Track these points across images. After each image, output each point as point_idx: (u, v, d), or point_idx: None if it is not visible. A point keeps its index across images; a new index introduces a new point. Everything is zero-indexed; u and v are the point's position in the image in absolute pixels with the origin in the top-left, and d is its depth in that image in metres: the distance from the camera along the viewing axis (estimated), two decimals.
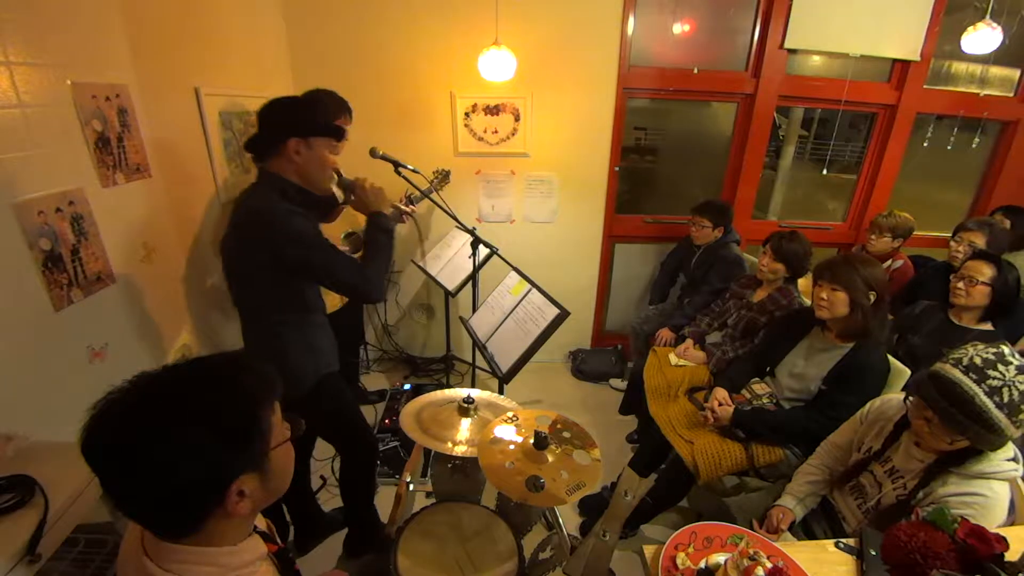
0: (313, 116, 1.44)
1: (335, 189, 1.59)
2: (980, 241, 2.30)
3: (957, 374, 1.12)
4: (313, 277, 1.48)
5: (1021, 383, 1.08)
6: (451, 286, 2.60)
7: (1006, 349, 1.13)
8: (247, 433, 0.69)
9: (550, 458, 1.25)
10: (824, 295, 1.70)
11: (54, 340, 1.38)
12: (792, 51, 2.81)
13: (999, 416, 1.08)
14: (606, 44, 2.71)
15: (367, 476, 1.88)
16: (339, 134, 1.49)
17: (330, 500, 2.16)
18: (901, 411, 1.33)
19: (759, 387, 1.88)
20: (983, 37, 2.46)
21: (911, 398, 1.24)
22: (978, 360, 1.11)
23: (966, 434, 1.12)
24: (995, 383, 1.08)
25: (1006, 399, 1.07)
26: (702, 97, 3.03)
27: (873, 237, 2.61)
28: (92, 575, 1.31)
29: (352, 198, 1.56)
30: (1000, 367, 1.09)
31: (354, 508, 1.89)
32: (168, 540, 0.68)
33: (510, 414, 1.40)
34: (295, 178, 1.43)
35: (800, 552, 1.14)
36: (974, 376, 1.10)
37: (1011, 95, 3.01)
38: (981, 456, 1.17)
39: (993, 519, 1.17)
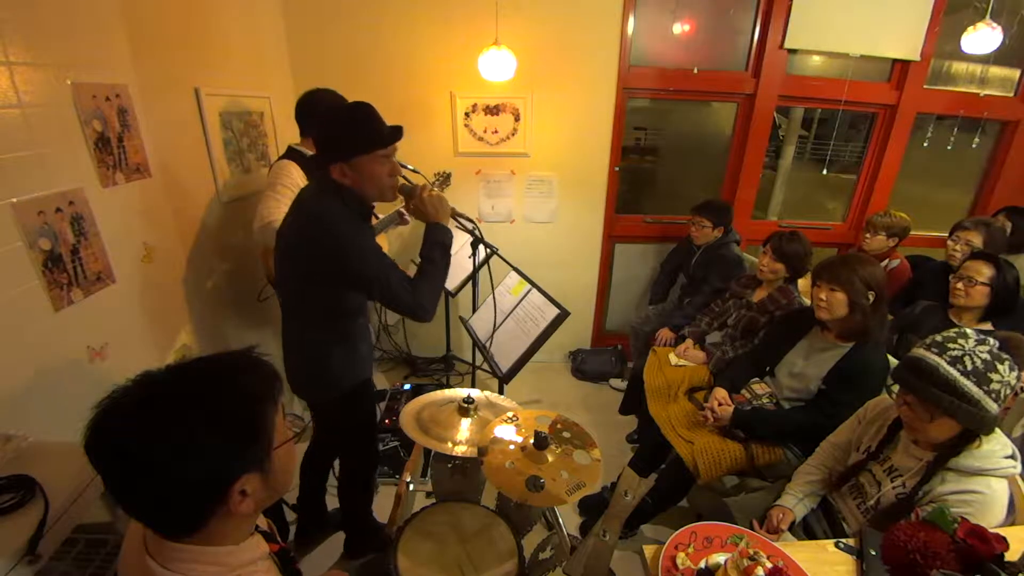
0: (348, 136, 1.32)
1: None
2: (977, 240, 2.30)
3: (921, 351, 1.21)
4: (362, 286, 1.42)
5: (982, 352, 1.14)
6: (451, 286, 2.60)
7: (968, 330, 1.21)
8: (249, 433, 0.69)
9: (550, 458, 1.25)
10: (823, 295, 1.70)
11: (54, 340, 1.38)
12: (792, 51, 2.81)
13: (967, 384, 1.13)
14: (606, 44, 2.71)
15: (367, 485, 1.88)
16: (382, 144, 1.34)
17: (330, 501, 2.16)
18: (897, 411, 1.34)
19: (759, 387, 1.88)
20: (983, 37, 2.46)
21: (895, 388, 1.26)
22: (939, 338, 1.21)
23: (941, 406, 1.14)
24: (956, 352, 1.16)
25: (969, 367, 1.13)
26: (702, 97, 3.03)
27: (868, 236, 2.61)
28: (92, 575, 1.31)
29: (412, 206, 1.49)
30: (960, 340, 1.18)
31: (352, 513, 1.89)
32: (170, 539, 0.68)
33: (510, 414, 1.40)
34: (354, 188, 1.35)
35: (800, 552, 1.14)
36: (935, 350, 1.19)
37: (1011, 95, 3.02)
38: (979, 448, 1.18)
39: (992, 517, 1.17)
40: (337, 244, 1.31)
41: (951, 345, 1.17)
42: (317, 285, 1.40)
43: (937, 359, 1.16)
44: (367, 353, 1.62)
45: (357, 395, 1.61)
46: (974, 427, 1.16)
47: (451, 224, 1.52)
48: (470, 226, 1.63)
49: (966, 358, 1.14)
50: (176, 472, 0.63)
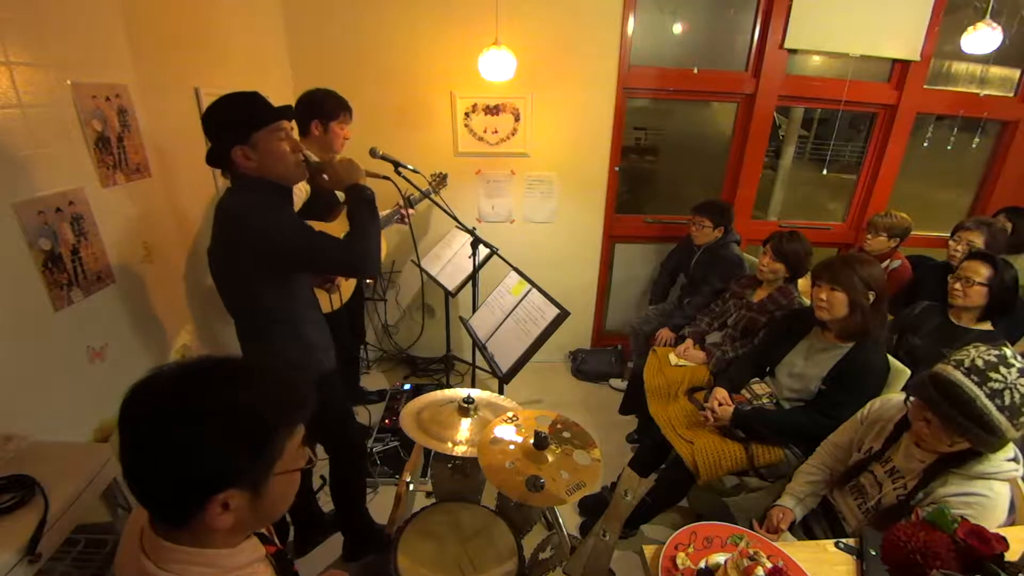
0: (239, 116, 1.31)
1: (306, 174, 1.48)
2: (978, 241, 2.30)
3: (959, 376, 1.11)
4: (299, 263, 1.42)
5: (1023, 386, 1.08)
6: (451, 286, 2.60)
7: (1008, 351, 1.12)
8: (250, 447, 0.67)
9: (550, 458, 1.25)
10: (823, 296, 1.70)
11: (54, 340, 1.38)
12: (792, 51, 2.81)
13: (1000, 419, 1.08)
14: (606, 44, 2.71)
15: (354, 476, 1.86)
16: (279, 116, 1.33)
17: (329, 502, 2.16)
18: (901, 411, 1.33)
19: (759, 387, 1.88)
20: (983, 37, 2.46)
21: (912, 399, 1.24)
22: (980, 362, 1.11)
23: (966, 436, 1.12)
24: (997, 385, 1.07)
25: (1007, 402, 1.07)
26: (702, 97, 3.03)
27: (869, 237, 2.61)
28: (92, 575, 1.31)
29: (326, 178, 1.47)
30: (1003, 369, 1.08)
31: (345, 511, 1.88)
32: (165, 537, 0.68)
33: (510, 414, 1.40)
34: (264, 175, 1.35)
35: (800, 552, 1.14)
36: (975, 378, 1.09)
37: (1011, 95, 3.02)
38: (981, 457, 1.17)
39: (993, 519, 1.16)
40: (249, 226, 1.31)
41: (993, 375, 1.08)
42: (254, 280, 1.39)
43: (976, 391, 1.08)
44: (324, 344, 1.59)
45: (322, 387, 1.58)
46: (989, 451, 1.14)
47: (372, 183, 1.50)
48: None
49: (1006, 392, 1.06)
50: (172, 459, 0.63)
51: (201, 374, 0.69)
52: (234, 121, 1.31)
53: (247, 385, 0.69)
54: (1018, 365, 1.09)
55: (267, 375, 0.73)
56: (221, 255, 1.41)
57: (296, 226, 1.36)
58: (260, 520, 0.74)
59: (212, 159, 1.36)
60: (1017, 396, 1.07)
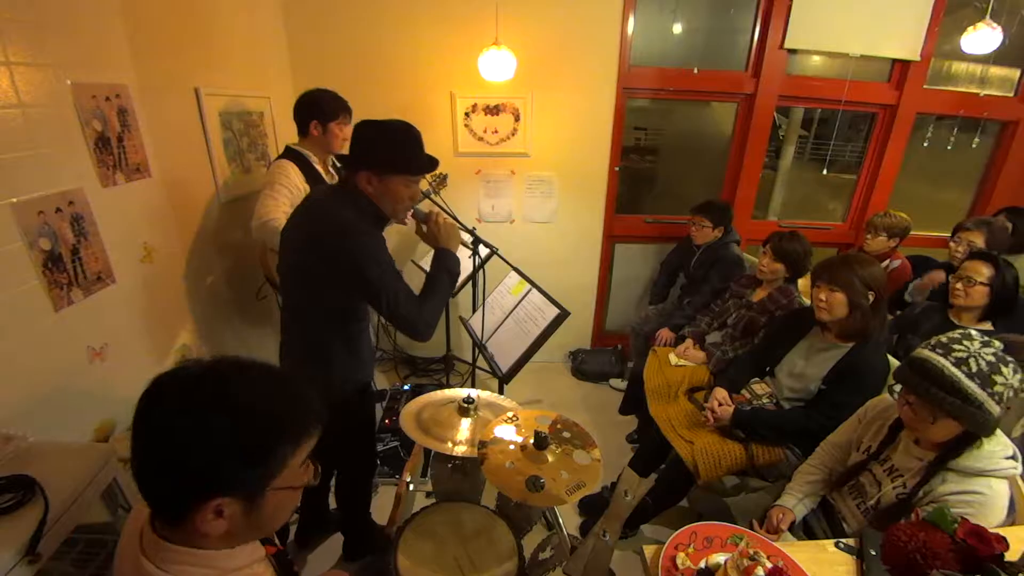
0: (387, 154, 1.35)
1: (409, 217, 1.52)
2: (979, 241, 2.30)
3: (927, 353, 1.20)
4: (368, 297, 1.42)
5: (987, 354, 1.14)
6: None
7: (973, 332, 1.21)
8: (248, 455, 0.66)
9: (550, 458, 1.25)
10: (823, 296, 1.70)
11: (54, 340, 1.38)
12: (792, 51, 2.81)
13: (971, 386, 1.12)
14: (606, 44, 2.71)
15: (366, 489, 1.87)
16: (418, 172, 1.40)
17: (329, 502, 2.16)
18: (897, 411, 1.34)
19: (759, 387, 1.88)
20: (983, 37, 2.46)
21: (897, 388, 1.26)
22: (944, 339, 1.21)
23: (944, 407, 1.14)
24: (961, 354, 1.15)
25: (974, 369, 1.13)
26: (702, 97, 3.03)
27: (869, 237, 2.61)
28: (92, 575, 1.31)
29: (424, 230, 1.52)
30: (965, 342, 1.17)
31: (349, 514, 1.88)
32: (164, 537, 0.68)
33: (510, 414, 1.40)
34: (373, 200, 1.38)
35: (800, 552, 1.14)
36: (940, 351, 1.18)
37: (1011, 95, 3.01)
38: (980, 448, 1.18)
39: (993, 517, 1.17)
40: (356, 250, 1.32)
41: (956, 347, 1.16)
42: (327, 287, 1.39)
43: (942, 360, 1.16)
44: (368, 357, 1.62)
45: (357, 398, 1.60)
46: (976, 429, 1.16)
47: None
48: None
49: (971, 360, 1.14)
50: (167, 455, 0.64)
51: (219, 376, 0.68)
52: (386, 153, 1.35)
53: (258, 396, 0.68)
54: (980, 338, 1.17)
55: (285, 387, 0.72)
56: (299, 243, 1.41)
57: (388, 266, 1.36)
58: (254, 531, 0.73)
59: (343, 161, 1.43)
60: (983, 363, 1.13)
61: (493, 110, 2.82)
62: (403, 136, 1.36)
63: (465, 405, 1.49)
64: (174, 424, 0.64)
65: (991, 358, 1.14)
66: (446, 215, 1.54)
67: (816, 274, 1.76)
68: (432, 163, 1.41)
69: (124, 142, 1.60)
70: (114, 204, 1.57)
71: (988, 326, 1.93)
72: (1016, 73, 2.99)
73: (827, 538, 1.33)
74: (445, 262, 1.48)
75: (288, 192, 1.87)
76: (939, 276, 2.36)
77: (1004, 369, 1.13)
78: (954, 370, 1.14)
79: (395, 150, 1.36)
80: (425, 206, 1.57)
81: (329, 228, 1.34)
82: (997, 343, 1.17)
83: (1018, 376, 1.14)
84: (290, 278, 1.48)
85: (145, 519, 0.71)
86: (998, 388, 1.12)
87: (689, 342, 2.43)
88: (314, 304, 1.45)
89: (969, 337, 1.18)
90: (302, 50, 2.65)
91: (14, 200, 1.25)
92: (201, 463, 0.64)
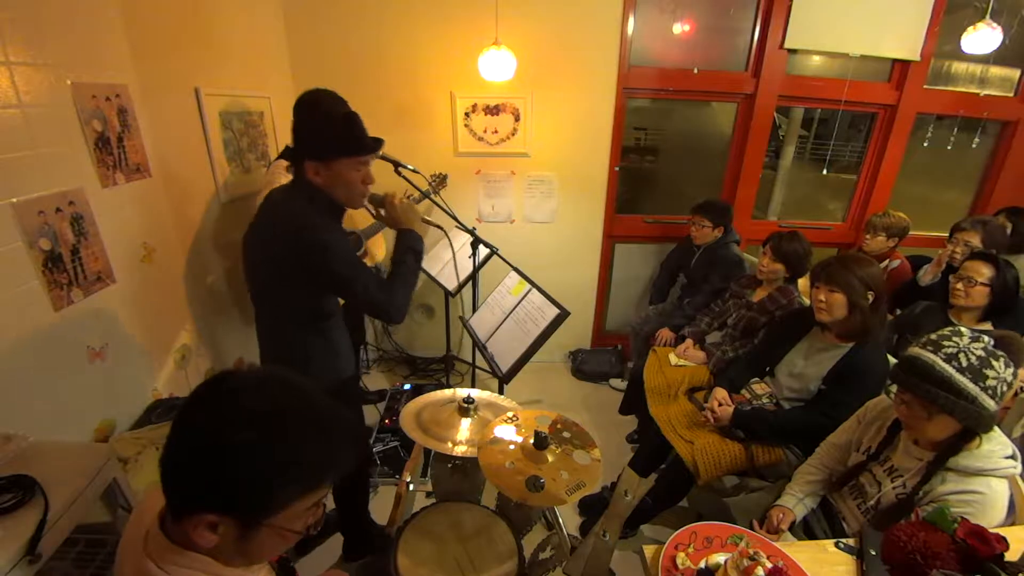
0: (326, 138, 1.31)
1: (366, 203, 1.50)
2: (976, 240, 2.30)
3: (917, 350, 1.22)
4: (337, 290, 1.43)
5: (977, 349, 1.15)
6: (451, 286, 2.60)
7: (962, 328, 1.22)
8: (251, 486, 0.64)
9: (550, 458, 1.25)
10: (822, 297, 1.70)
11: (54, 340, 1.38)
12: (792, 51, 2.81)
13: (963, 380, 1.13)
14: (606, 44, 2.71)
15: (362, 484, 1.87)
16: (360, 151, 1.34)
17: (328, 502, 2.17)
18: (895, 412, 1.34)
19: (759, 387, 1.88)
20: (983, 37, 2.46)
21: (892, 389, 1.26)
22: (934, 336, 1.22)
23: (938, 403, 1.15)
24: (951, 350, 1.17)
25: (964, 363, 1.14)
26: (702, 97, 3.03)
27: (868, 237, 2.62)
28: (92, 575, 1.31)
29: (382, 213, 1.50)
30: (954, 338, 1.18)
31: (348, 515, 1.88)
32: (171, 539, 0.68)
33: (510, 414, 1.40)
34: (326, 191, 1.35)
35: (800, 552, 1.14)
36: (930, 348, 1.20)
37: (1011, 95, 3.02)
38: (979, 448, 1.18)
39: (992, 517, 1.17)
40: (316, 245, 1.30)
41: (946, 343, 1.18)
42: (293, 286, 1.39)
43: (932, 357, 1.17)
44: (346, 350, 1.60)
45: (341, 393, 1.58)
46: (972, 425, 1.16)
47: (423, 229, 1.52)
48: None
49: (961, 355, 1.15)
50: (180, 456, 0.65)
51: (268, 398, 0.66)
52: (325, 139, 1.32)
53: (291, 435, 0.66)
54: (969, 334, 1.18)
55: (322, 435, 0.69)
56: (259, 246, 1.40)
57: (349, 255, 1.35)
58: (242, 557, 0.71)
59: (289, 154, 1.39)
60: (973, 358, 1.14)
61: (493, 110, 2.82)
62: (337, 116, 1.33)
63: (465, 405, 1.49)
64: (188, 427, 0.65)
65: (981, 352, 1.14)
66: (401, 196, 1.50)
67: (815, 275, 1.76)
68: (377, 142, 1.36)
69: (124, 142, 1.60)
70: (114, 204, 1.57)
71: (988, 326, 1.93)
72: (1016, 73, 2.99)
73: (827, 538, 1.33)
74: (408, 242, 1.46)
75: None
76: (946, 254, 2.35)
77: (995, 363, 1.14)
78: (944, 365, 1.15)
79: (333, 132, 1.32)
80: (424, 206, 1.57)
81: (285, 227, 1.32)
82: (987, 338, 1.18)
83: (1010, 370, 1.14)
84: (256, 280, 1.47)
85: (152, 519, 0.71)
86: (991, 382, 1.13)
87: (689, 342, 2.43)
88: (282, 304, 1.44)
89: (959, 333, 1.19)
90: (302, 50, 2.65)
91: (14, 200, 1.24)
92: (196, 477, 0.64)
